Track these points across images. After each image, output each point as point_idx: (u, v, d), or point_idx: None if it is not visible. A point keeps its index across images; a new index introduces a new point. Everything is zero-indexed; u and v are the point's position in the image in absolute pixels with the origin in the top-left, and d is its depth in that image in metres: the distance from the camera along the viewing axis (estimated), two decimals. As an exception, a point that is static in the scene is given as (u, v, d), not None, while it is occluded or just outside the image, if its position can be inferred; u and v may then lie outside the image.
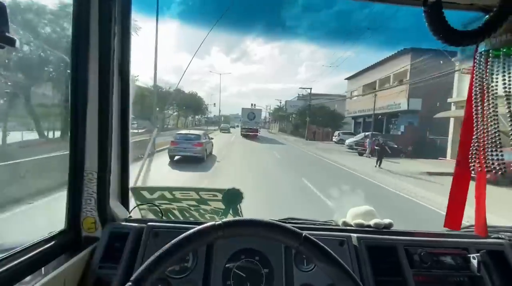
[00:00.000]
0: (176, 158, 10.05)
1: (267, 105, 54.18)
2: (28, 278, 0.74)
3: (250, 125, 26.63)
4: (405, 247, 0.92)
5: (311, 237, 0.51)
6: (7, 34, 0.52)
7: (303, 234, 0.51)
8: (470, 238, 0.99)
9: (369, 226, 1.09)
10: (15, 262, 0.71)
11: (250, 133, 25.78)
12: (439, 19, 0.61)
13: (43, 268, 0.79)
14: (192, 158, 9.80)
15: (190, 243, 0.49)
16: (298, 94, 41.19)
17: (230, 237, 0.52)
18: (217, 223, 0.50)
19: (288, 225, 0.52)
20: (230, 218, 0.53)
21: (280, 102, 50.75)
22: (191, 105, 33.73)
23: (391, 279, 0.85)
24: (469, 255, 0.90)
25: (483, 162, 0.72)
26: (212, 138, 12.25)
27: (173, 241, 0.49)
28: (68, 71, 0.88)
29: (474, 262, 0.88)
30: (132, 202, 1.19)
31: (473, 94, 0.75)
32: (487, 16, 0.82)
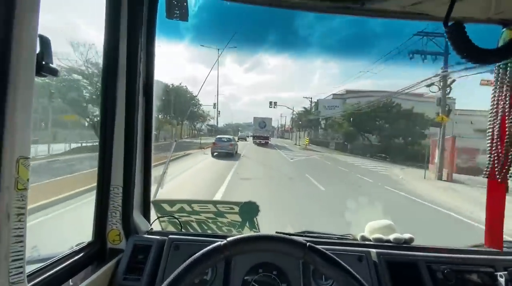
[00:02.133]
0: (215, 153, 15.41)
1: (292, 111, 45.61)
2: None
3: (262, 133, 28.50)
4: (427, 263, 0.89)
5: (315, 246, 0.51)
6: (51, 65, 0.58)
7: (307, 244, 0.51)
8: (497, 255, 0.95)
9: (388, 241, 1.07)
10: (46, 274, 0.75)
11: (262, 141, 27.93)
12: (462, 39, 0.61)
13: (70, 280, 0.83)
14: (226, 153, 15.47)
15: (197, 267, 0.50)
16: (333, 94, 34.63)
17: (236, 255, 0.53)
18: (222, 243, 0.51)
19: (293, 236, 0.53)
20: (236, 235, 0.54)
21: (293, 111, 44.79)
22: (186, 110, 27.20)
23: None
24: (496, 273, 0.86)
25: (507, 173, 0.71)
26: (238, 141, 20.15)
27: (181, 267, 0.50)
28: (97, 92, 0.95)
29: (502, 281, 0.84)
30: (153, 213, 1.23)
31: (494, 106, 0.75)
32: (504, 30, 0.82)
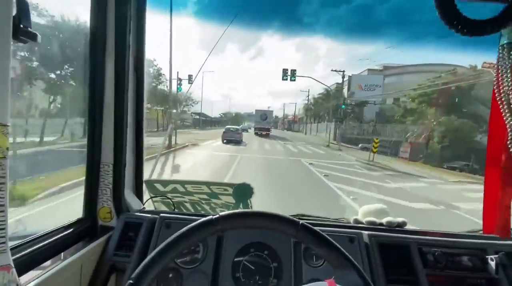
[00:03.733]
0: (225, 141, 18.61)
1: (307, 95, 36.43)
2: (47, 262, 0.78)
3: (263, 125, 29.41)
4: (419, 245, 0.89)
5: (308, 225, 0.51)
6: (29, 29, 0.54)
7: (300, 222, 0.51)
8: (488, 239, 0.95)
9: (381, 224, 1.07)
10: (36, 246, 0.76)
11: (263, 132, 28.85)
12: (452, 10, 0.58)
13: (62, 254, 0.83)
14: (235, 141, 18.74)
15: (190, 238, 0.50)
16: (368, 69, 27.28)
17: (228, 230, 0.52)
18: (214, 217, 0.51)
19: (284, 215, 0.52)
20: (228, 211, 0.53)
21: (308, 96, 35.55)
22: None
23: (403, 278, 0.83)
24: (486, 256, 0.87)
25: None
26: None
27: (172, 236, 0.50)
28: (85, 66, 0.92)
29: (492, 264, 0.84)
30: (146, 195, 1.22)
31: (498, 89, 0.72)
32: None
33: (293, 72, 18.79)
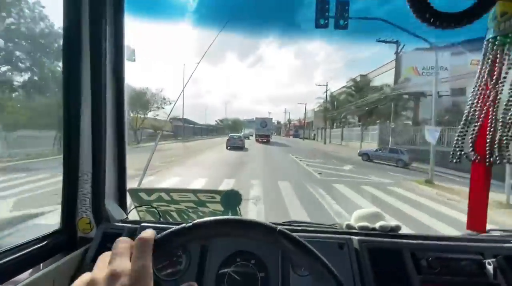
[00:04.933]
0: (229, 147, 20.13)
1: (326, 90, 31.61)
2: (18, 277, 0.73)
3: (263, 132, 31.70)
4: (411, 250, 0.84)
5: (286, 231, 0.47)
6: None
7: (278, 228, 0.47)
8: (486, 243, 0.90)
9: (374, 229, 1.02)
10: (7, 258, 0.71)
11: (264, 139, 30.94)
12: (422, 3, 0.57)
13: (40, 266, 0.79)
14: (238, 147, 20.24)
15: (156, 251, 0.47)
16: (416, 48, 17.42)
17: (203, 238, 0.48)
18: (187, 225, 0.47)
19: (262, 220, 0.48)
20: (201, 219, 0.49)
21: (326, 91, 30.66)
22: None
23: (396, 285, 0.79)
24: (484, 261, 0.82)
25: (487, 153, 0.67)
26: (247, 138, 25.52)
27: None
28: (59, 69, 0.89)
29: (490, 268, 0.79)
30: (131, 204, 1.18)
31: (478, 83, 0.69)
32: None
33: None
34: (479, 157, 0.69)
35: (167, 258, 0.85)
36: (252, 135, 41.41)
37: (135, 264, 0.33)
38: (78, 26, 0.86)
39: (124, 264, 0.33)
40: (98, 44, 0.89)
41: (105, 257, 0.35)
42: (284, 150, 21.77)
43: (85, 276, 0.32)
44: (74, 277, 0.85)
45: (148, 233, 0.38)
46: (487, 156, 0.69)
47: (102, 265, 0.34)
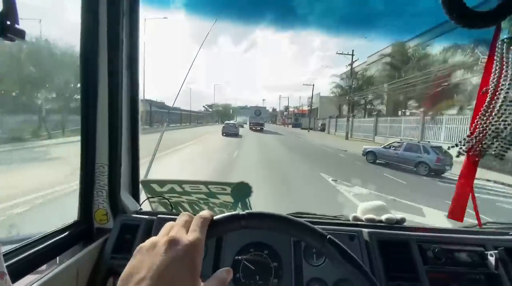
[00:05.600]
0: (224, 134, 21.62)
1: (352, 60, 22.19)
2: (43, 267, 0.76)
3: (257, 120, 33.50)
4: (418, 242, 0.89)
5: (335, 239, 0.50)
6: (16, 26, 0.52)
7: (328, 236, 0.50)
8: (487, 235, 0.96)
9: (380, 221, 1.07)
10: (30, 251, 0.74)
11: (258, 127, 32.71)
12: (457, 1, 0.56)
13: (57, 258, 0.81)
14: (233, 134, 21.69)
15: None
16: None
17: (253, 228, 0.49)
18: (241, 213, 0.49)
19: (314, 226, 0.51)
20: (254, 210, 0.51)
21: (353, 62, 21.67)
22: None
23: (404, 275, 0.83)
24: (486, 252, 0.87)
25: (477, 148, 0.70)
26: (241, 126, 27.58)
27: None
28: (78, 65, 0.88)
29: (492, 259, 0.84)
30: (143, 195, 1.20)
31: (491, 84, 0.71)
32: None
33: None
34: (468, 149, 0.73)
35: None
36: (246, 123, 41.37)
37: (192, 235, 0.37)
38: (95, 18, 0.86)
39: (182, 233, 0.37)
40: (115, 40, 0.89)
41: (168, 225, 0.40)
42: (292, 160, 11.66)
43: (151, 239, 0.37)
44: (96, 266, 0.88)
45: (206, 213, 0.43)
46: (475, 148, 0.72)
47: (165, 232, 0.39)
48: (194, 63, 1.65)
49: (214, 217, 0.45)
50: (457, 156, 0.84)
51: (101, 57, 0.89)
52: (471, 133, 0.76)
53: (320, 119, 35.66)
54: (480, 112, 0.74)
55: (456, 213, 0.81)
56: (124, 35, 0.91)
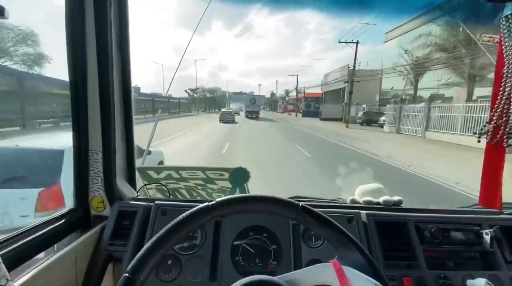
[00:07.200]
0: (222, 121, 24.23)
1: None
2: (41, 255, 0.75)
3: (253, 108, 35.21)
4: (415, 223, 0.90)
5: (308, 206, 0.50)
6: None
7: (300, 204, 0.50)
8: (483, 214, 0.97)
9: (378, 203, 1.07)
10: (27, 238, 0.73)
11: (253, 115, 34.24)
12: None
13: (55, 246, 0.81)
14: (230, 121, 24.28)
15: (186, 226, 0.48)
16: None
17: (226, 216, 0.50)
18: (211, 203, 0.49)
19: (284, 198, 0.51)
20: (225, 196, 0.51)
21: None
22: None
23: (401, 254, 0.85)
24: (481, 231, 0.88)
25: (504, 133, 0.69)
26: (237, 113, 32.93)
27: (168, 226, 0.48)
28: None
29: (487, 238, 0.86)
30: (140, 182, 1.19)
31: (505, 62, 0.69)
32: None
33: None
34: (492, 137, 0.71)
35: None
36: (242, 110, 42.34)
37: None
38: (82, 2, 0.81)
39: None
40: (103, 20, 0.84)
41: None
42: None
43: None
44: (94, 253, 0.87)
45: None
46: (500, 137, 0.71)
47: None
48: (189, 49, 1.59)
49: (183, 214, 0.47)
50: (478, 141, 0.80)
51: (89, 38, 0.85)
52: (490, 119, 0.74)
53: (356, 104, 23.21)
54: (498, 97, 0.72)
55: (490, 201, 0.80)
56: (112, 14, 0.86)
